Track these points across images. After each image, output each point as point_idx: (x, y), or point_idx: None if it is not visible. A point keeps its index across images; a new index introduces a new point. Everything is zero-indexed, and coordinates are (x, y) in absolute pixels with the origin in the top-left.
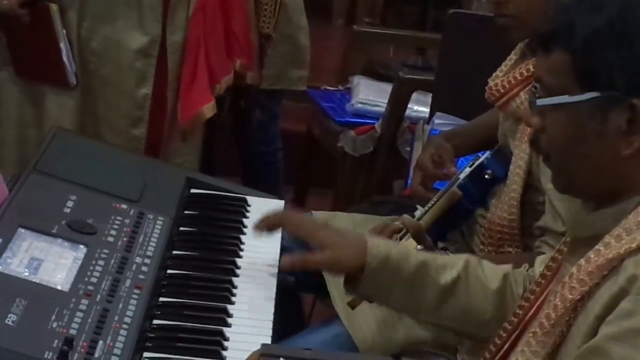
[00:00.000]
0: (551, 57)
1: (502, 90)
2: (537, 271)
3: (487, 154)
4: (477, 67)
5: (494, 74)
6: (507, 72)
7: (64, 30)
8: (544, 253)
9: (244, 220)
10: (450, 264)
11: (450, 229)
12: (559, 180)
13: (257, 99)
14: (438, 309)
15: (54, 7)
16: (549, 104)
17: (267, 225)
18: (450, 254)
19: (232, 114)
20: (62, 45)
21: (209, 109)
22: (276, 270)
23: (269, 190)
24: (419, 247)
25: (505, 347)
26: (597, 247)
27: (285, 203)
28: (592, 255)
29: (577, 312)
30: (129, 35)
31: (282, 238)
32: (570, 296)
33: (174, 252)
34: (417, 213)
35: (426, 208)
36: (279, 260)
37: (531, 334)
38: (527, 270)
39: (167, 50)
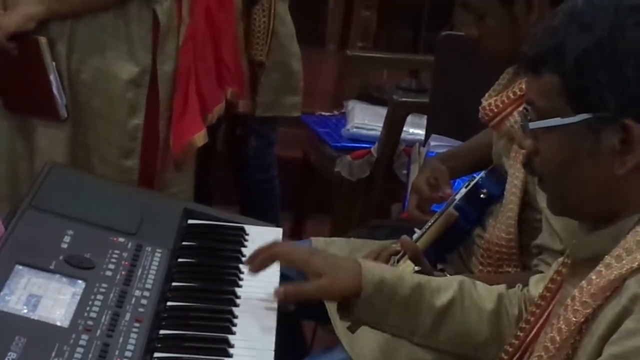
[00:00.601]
0: (541, 79)
1: (495, 110)
2: (533, 291)
3: (482, 173)
4: (470, 88)
5: (487, 94)
6: (501, 92)
7: (54, 63)
8: (542, 272)
9: (243, 249)
10: (444, 286)
11: (448, 251)
12: (554, 202)
13: (252, 126)
14: (434, 332)
15: (42, 40)
16: (541, 127)
17: (258, 263)
18: (449, 275)
19: (227, 142)
20: (52, 77)
21: (200, 138)
22: (274, 307)
23: (267, 217)
24: (416, 269)
25: None
26: (598, 268)
27: (284, 231)
28: (593, 277)
29: (582, 334)
30: (119, 66)
31: (281, 266)
32: (574, 319)
33: (173, 283)
34: (415, 235)
35: (423, 230)
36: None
37: (536, 358)
38: (521, 290)
39: (157, 80)
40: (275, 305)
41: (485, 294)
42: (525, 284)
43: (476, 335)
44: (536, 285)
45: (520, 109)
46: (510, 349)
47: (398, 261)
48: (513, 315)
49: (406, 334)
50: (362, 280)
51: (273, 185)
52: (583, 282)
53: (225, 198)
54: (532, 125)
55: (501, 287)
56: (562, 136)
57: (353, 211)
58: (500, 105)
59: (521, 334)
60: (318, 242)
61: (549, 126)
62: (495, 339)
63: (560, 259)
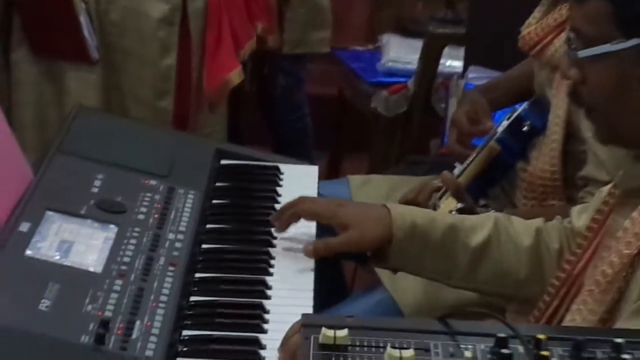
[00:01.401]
0: (587, 5)
1: (535, 39)
2: (576, 222)
3: (525, 105)
4: (508, 17)
5: (526, 22)
6: (540, 19)
7: (83, 4)
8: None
9: (278, 189)
10: (479, 225)
11: (490, 185)
12: (602, 132)
13: (279, 64)
14: (471, 273)
15: None
16: (590, 54)
17: (284, 222)
18: (493, 211)
19: (255, 82)
20: (81, 19)
21: (236, 76)
22: (314, 238)
23: (300, 157)
24: (459, 205)
25: (555, 304)
26: None
27: (319, 169)
28: None
29: (634, 267)
30: (149, 4)
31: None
32: (627, 251)
33: (208, 226)
34: (456, 171)
35: (465, 165)
36: (316, 227)
37: (587, 292)
38: (561, 223)
39: (188, 17)
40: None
41: (522, 229)
42: (566, 215)
43: (516, 273)
44: (579, 216)
45: (563, 37)
46: (557, 283)
47: (440, 198)
48: (554, 250)
49: (443, 278)
50: (393, 226)
51: (305, 123)
52: (634, 212)
53: (257, 139)
54: (582, 53)
55: (539, 221)
56: (611, 63)
57: (391, 148)
58: (541, 34)
59: (568, 267)
60: (355, 180)
61: (597, 54)
62: (536, 276)
63: (605, 189)
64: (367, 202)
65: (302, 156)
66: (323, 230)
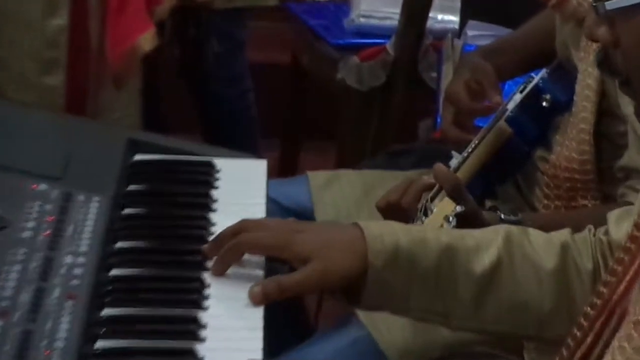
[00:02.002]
0: None
1: None
2: (614, 232)
3: (543, 72)
4: None
5: None
6: None
7: None
8: (630, 203)
9: (212, 192)
10: (485, 244)
11: (500, 181)
12: None
13: (211, 23)
14: (477, 309)
15: None
16: (622, 5)
17: (221, 262)
18: (502, 215)
19: (178, 46)
20: None
21: (147, 40)
22: (263, 257)
23: (242, 148)
24: (457, 208)
25: (589, 340)
26: None
27: (270, 163)
28: None
29: None
30: None
31: (267, 210)
32: None
33: (118, 244)
34: (453, 162)
35: (465, 154)
36: None
37: (632, 325)
38: (593, 235)
39: None
40: (263, 267)
41: (543, 246)
42: (600, 223)
43: (537, 307)
44: (619, 224)
45: None
46: (592, 313)
47: (432, 199)
48: (587, 272)
49: (439, 318)
50: (368, 252)
51: (246, 102)
52: None
53: (183, 125)
54: (609, 4)
55: (564, 234)
56: None
57: (366, 133)
58: None
59: (605, 291)
60: (317, 178)
61: (633, 4)
62: (564, 308)
63: None
64: (331, 220)
65: (244, 147)
66: None
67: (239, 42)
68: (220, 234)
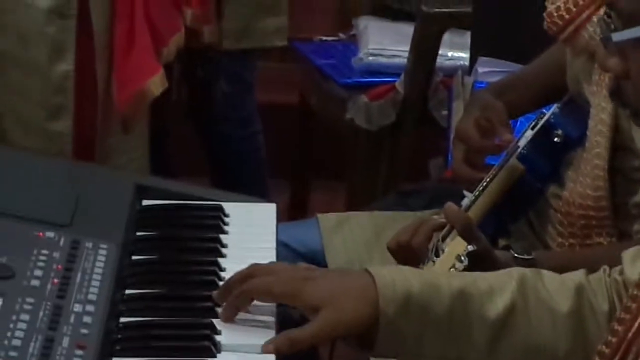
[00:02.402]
0: None
1: (566, 17)
2: (629, 272)
3: (554, 108)
4: None
5: None
6: None
7: None
8: None
9: (222, 237)
10: (498, 287)
11: (512, 219)
12: None
13: (220, 64)
14: (491, 354)
15: None
16: (632, 37)
17: (229, 309)
18: (515, 255)
19: (187, 90)
20: None
21: (156, 84)
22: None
23: (251, 191)
24: (469, 248)
25: None
26: None
27: (279, 206)
28: None
29: None
30: None
31: (277, 253)
32: None
33: (127, 291)
34: (465, 201)
35: (476, 193)
36: None
37: None
38: (608, 275)
39: (88, 6)
40: (274, 312)
41: (558, 288)
42: (615, 262)
43: (552, 350)
44: (634, 263)
45: (600, 15)
46: (607, 350)
47: (443, 239)
48: (602, 313)
49: None
50: (380, 299)
51: (256, 144)
52: None
53: (191, 169)
54: (618, 36)
55: (579, 275)
56: None
57: (375, 173)
58: (573, 9)
59: (620, 329)
60: (327, 220)
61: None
62: (580, 350)
63: None
64: (342, 267)
65: (253, 189)
66: None
67: (247, 83)
68: (230, 279)
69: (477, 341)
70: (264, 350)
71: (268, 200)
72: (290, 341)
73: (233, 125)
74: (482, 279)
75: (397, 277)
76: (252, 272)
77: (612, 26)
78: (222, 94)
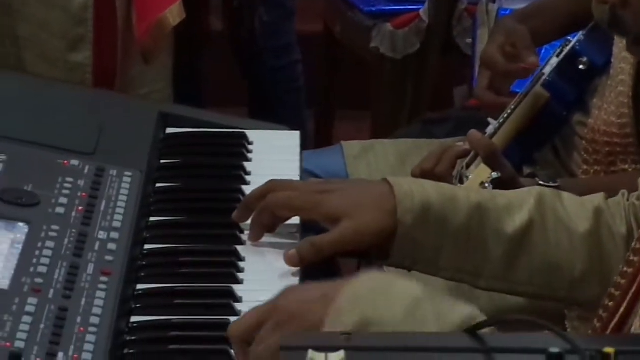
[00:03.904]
0: None
1: None
2: None
3: (580, 35)
4: None
5: None
6: None
7: None
8: None
9: (246, 164)
10: (517, 204)
11: (537, 147)
12: None
13: None
14: (508, 270)
15: None
16: None
17: (254, 231)
18: (541, 182)
19: (225, 16)
20: None
21: (173, 14)
22: (297, 229)
23: (287, 121)
24: (494, 174)
25: (621, 310)
26: None
27: (305, 134)
28: None
29: None
30: None
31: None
32: None
33: (152, 219)
34: (490, 129)
35: (501, 120)
36: None
37: None
38: (627, 200)
39: None
40: (298, 239)
41: (576, 209)
42: (636, 189)
43: (569, 269)
44: None
45: None
46: (623, 282)
47: (468, 166)
48: (620, 236)
49: (470, 278)
50: (398, 209)
51: (295, 74)
52: None
53: (230, 99)
54: None
55: (598, 198)
56: None
57: (400, 101)
58: None
59: (636, 259)
60: (352, 147)
61: None
62: (596, 271)
63: None
64: (362, 178)
65: (293, 120)
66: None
67: (287, 11)
68: (248, 196)
69: (493, 256)
70: (287, 256)
71: (303, 128)
72: (312, 246)
73: (273, 54)
74: (501, 195)
75: (415, 188)
76: (270, 187)
77: None
78: (260, 23)
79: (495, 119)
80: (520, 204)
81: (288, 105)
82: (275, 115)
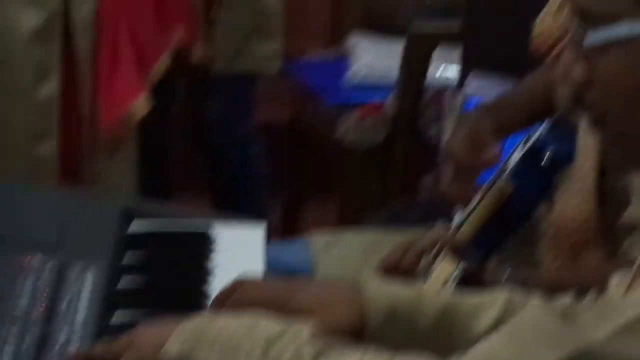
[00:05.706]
0: None
1: (552, 37)
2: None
3: (543, 127)
4: (519, 4)
5: (539, 17)
6: (558, 12)
7: None
8: (632, 262)
9: (208, 263)
10: (486, 303)
11: (503, 238)
12: (619, 151)
13: (219, 84)
14: None
15: None
16: (604, 38)
17: None
18: (508, 272)
19: (189, 107)
20: None
21: (139, 106)
22: None
23: (249, 212)
24: (458, 269)
25: None
26: None
27: (270, 223)
28: None
29: None
30: (15, 11)
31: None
32: None
33: (115, 316)
34: (456, 219)
35: (467, 212)
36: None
37: None
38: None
39: (73, 28)
40: None
41: None
42: (605, 281)
43: None
44: (619, 289)
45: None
46: None
47: (433, 259)
48: None
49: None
50: (367, 309)
51: (254, 165)
52: None
53: (196, 186)
54: (593, 38)
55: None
56: (631, 51)
57: (367, 191)
58: (558, 31)
59: None
60: (318, 241)
61: (611, 39)
62: None
63: None
64: (330, 280)
65: (252, 211)
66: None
67: (245, 105)
68: (217, 296)
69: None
70: None
71: (268, 217)
72: None
73: (230, 148)
74: (470, 296)
75: (383, 288)
76: (237, 285)
77: (581, 32)
78: (216, 117)
79: (463, 207)
80: (489, 303)
81: (251, 195)
82: (238, 204)
